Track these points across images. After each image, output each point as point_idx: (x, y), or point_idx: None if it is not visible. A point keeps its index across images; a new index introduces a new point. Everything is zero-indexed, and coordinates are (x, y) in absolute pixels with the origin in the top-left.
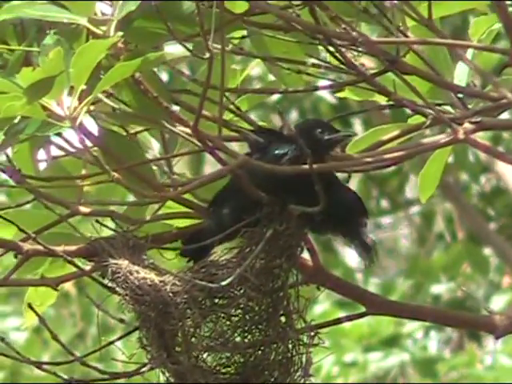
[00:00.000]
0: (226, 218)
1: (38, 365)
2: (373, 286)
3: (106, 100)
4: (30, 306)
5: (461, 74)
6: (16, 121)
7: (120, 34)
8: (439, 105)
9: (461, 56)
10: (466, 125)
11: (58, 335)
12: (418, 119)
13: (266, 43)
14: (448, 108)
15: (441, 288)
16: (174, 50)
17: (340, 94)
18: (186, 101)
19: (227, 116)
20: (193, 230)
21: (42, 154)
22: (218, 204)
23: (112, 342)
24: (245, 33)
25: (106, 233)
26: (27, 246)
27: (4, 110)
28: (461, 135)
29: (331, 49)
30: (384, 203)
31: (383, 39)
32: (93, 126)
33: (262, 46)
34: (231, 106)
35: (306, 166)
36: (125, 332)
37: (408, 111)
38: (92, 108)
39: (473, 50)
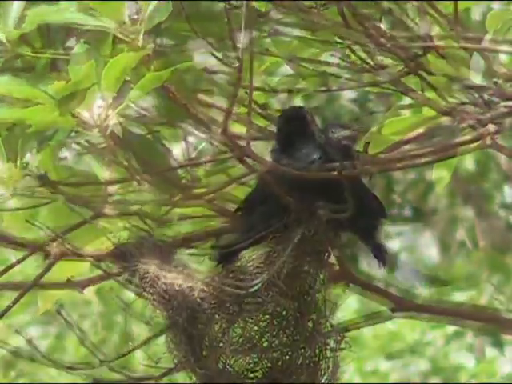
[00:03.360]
0: (255, 224)
1: (67, 368)
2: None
3: (133, 106)
4: (59, 312)
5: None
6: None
7: (151, 46)
8: (462, 104)
9: (487, 58)
10: (490, 126)
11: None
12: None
13: (292, 44)
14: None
15: (462, 296)
16: (203, 57)
17: None
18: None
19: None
20: (222, 232)
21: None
22: (247, 210)
23: (136, 348)
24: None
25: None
26: (55, 249)
27: (37, 123)
28: (488, 141)
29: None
30: (407, 211)
31: (409, 44)
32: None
33: (287, 46)
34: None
35: (335, 172)
36: (148, 337)
37: None
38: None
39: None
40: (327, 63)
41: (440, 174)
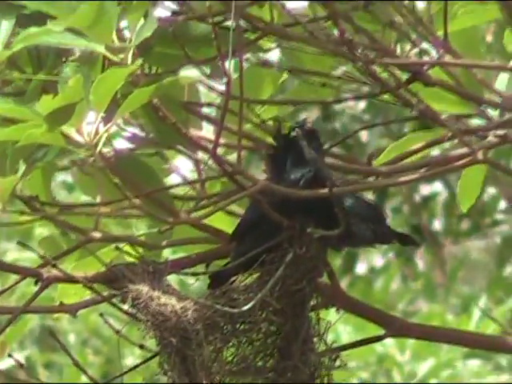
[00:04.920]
0: (248, 250)
1: None
2: (454, 299)
3: (123, 126)
4: (52, 334)
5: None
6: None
7: (139, 62)
8: (465, 116)
9: (480, 79)
10: (490, 138)
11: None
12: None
13: (296, 54)
14: (474, 120)
15: None
16: (191, 73)
17: None
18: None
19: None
20: (214, 257)
21: None
22: (239, 235)
23: (133, 368)
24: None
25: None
26: (47, 273)
27: (24, 138)
28: (480, 155)
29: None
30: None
31: (405, 60)
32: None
33: (293, 58)
34: (254, 118)
35: (325, 190)
36: (145, 358)
37: None
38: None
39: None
40: (328, 76)
41: (464, 195)
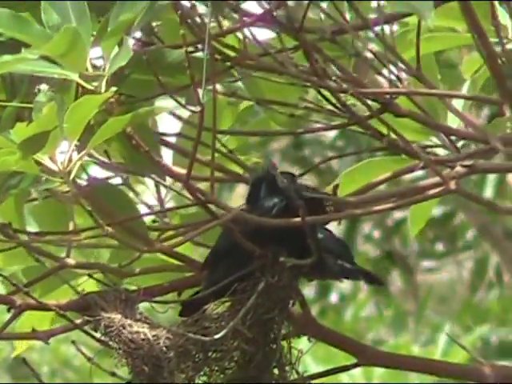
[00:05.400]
0: (219, 279)
1: None
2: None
3: (96, 155)
4: (25, 362)
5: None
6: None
7: (113, 89)
8: (431, 146)
9: (450, 107)
10: (458, 168)
11: None
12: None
13: (259, 85)
14: (440, 150)
15: (489, 332)
16: (165, 102)
17: None
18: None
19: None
20: (186, 285)
21: None
22: (211, 264)
23: None
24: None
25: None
26: (20, 301)
27: None
28: (452, 186)
29: (325, 91)
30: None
31: (375, 90)
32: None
33: (255, 88)
34: (222, 148)
35: (298, 219)
36: None
37: None
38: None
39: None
40: (296, 106)
41: (415, 219)
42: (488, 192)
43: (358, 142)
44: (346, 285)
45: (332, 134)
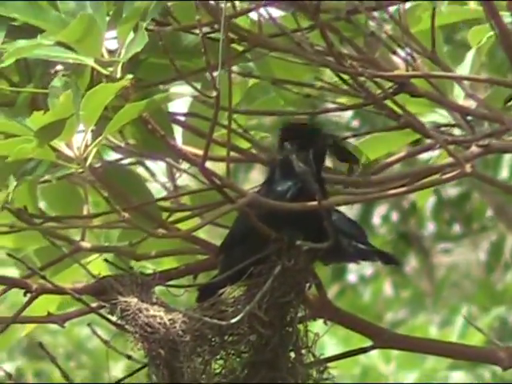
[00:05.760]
0: (235, 263)
1: None
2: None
3: (112, 139)
4: (41, 345)
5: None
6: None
7: (129, 76)
8: (447, 126)
9: (465, 89)
10: (473, 148)
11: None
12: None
13: (271, 65)
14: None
15: (506, 312)
16: (180, 87)
17: None
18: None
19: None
20: (202, 268)
21: None
22: (227, 248)
23: (122, 379)
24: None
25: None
26: (36, 284)
27: (15, 153)
28: (468, 169)
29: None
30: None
31: (389, 73)
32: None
33: (267, 68)
34: (236, 127)
35: (313, 202)
36: (133, 370)
37: None
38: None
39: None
40: (311, 85)
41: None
42: (504, 173)
43: (374, 122)
44: (364, 266)
45: (347, 114)
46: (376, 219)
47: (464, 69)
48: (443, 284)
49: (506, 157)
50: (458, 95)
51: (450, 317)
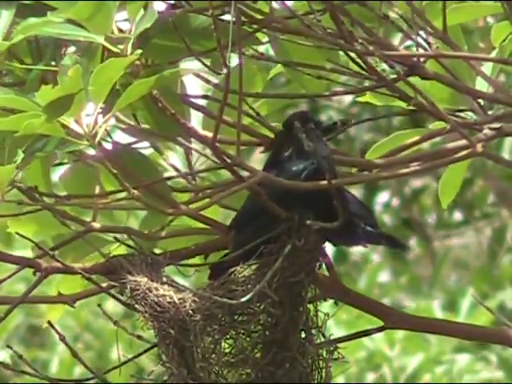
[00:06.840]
0: (246, 242)
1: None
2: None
3: (123, 117)
4: (50, 324)
5: (482, 82)
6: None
7: (139, 51)
8: (460, 110)
9: (478, 71)
10: (486, 131)
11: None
12: (439, 124)
13: (287, 48)
14: (469, 114)
15: (506, 296)
16: (191, 64)
17: (361, 99)
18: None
19: (246, 120)
20: (212, 248)
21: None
22: (238, 226)
23: (131, 359)
24: (265, 38)
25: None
26: (45, 264)
27: (24, 128)
28: (479, 148)
29: (352, 54)
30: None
31: (401, 53)
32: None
33: (283, 51)
34: (251, 111)
35: (325, 182)
36: (144, 349)
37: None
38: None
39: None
40: (323, 68)
41: (445, 192)
42: (505, 157)
43: (374, 108)
44: (359, 250)
45: (348, 99)
46: (378, 207)
47: (486, 68)
48: (440, 267)
49: (507, 141)
50: (480, 85)
51: (450, 301)
